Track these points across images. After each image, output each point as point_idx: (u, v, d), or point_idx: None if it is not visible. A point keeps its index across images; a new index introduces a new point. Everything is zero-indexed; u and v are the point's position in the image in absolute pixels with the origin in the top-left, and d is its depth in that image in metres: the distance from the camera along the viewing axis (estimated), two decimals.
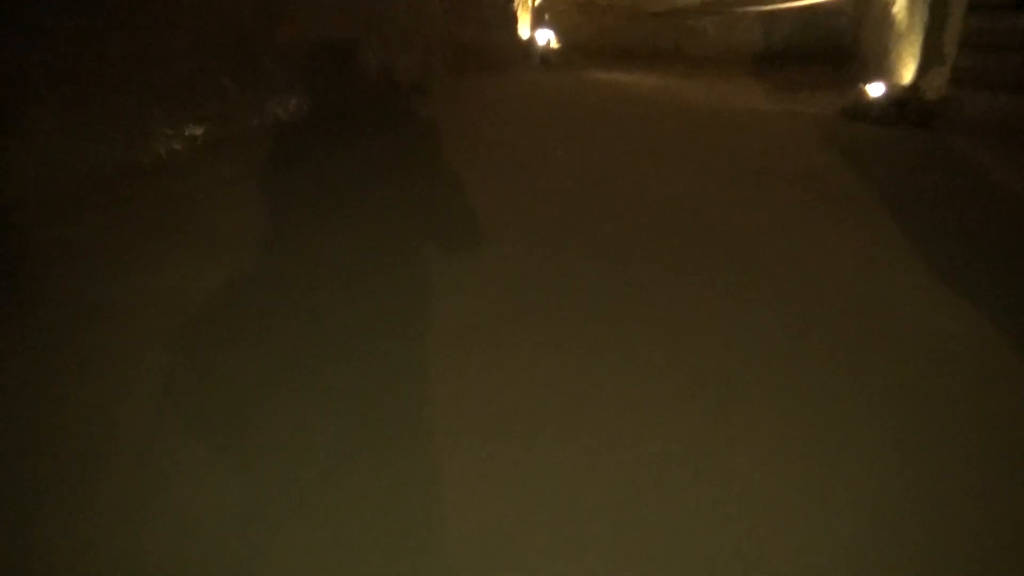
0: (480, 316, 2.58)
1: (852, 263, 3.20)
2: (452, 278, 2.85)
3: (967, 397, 2.23)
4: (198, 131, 4.32)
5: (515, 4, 7.02)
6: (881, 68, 5.89)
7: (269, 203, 3.74)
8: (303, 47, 4.80)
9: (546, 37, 7.21)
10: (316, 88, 4.88)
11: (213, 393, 2.09)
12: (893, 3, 5.82)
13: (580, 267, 3.04)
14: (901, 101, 5.22)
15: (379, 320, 2.52)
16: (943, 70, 5.20)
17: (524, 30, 7.22)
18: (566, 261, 3.10)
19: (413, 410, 2.00)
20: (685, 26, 7.16)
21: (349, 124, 4.85)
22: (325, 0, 4.65)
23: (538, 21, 7.47)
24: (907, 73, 5.37)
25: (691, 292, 2.86)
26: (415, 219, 3.53)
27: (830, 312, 2.77)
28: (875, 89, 5.39)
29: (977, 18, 5.45)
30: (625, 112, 5.59)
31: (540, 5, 7.50)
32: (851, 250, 3.34)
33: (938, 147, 4.86)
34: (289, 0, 4.52)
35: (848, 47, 6.89)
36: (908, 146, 4.89)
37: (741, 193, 3.99)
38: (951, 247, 3.40)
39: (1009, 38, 5.61)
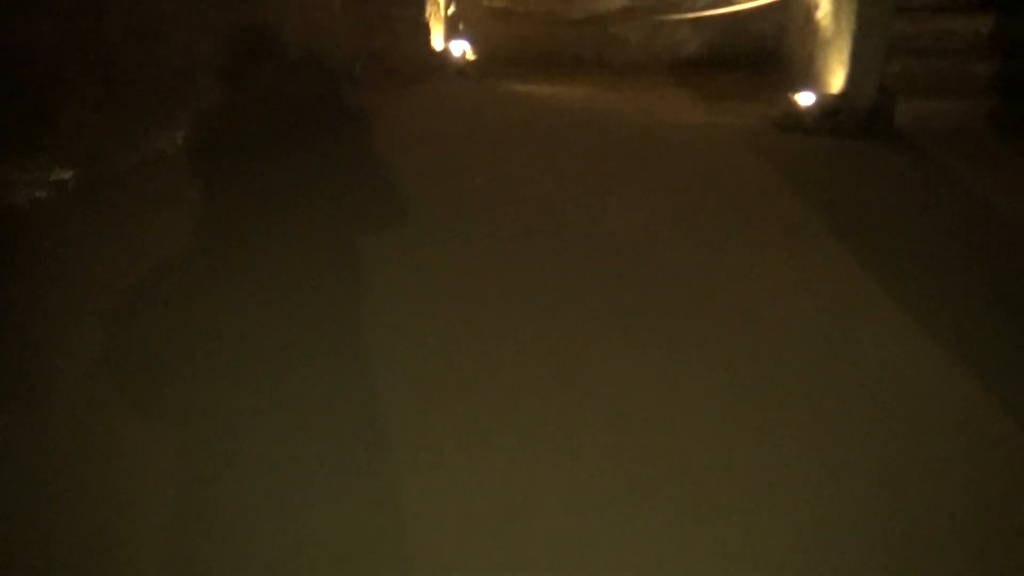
0: (398, 401, 2.18)
1: (810, 304, 2.92)
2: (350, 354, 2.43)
3: (957, 475, 1.95)
4: (65, 175, 3.77)
5: (427, 14, 6.60)
6: (808, 75, 5.70)
7: (148, 255, 3.26)
8: (186, 70, 4.28)
9: (461, 48, 6.81)
10: (204, 116, 4.37)
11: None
12: (817, 8, 5.64)
13: (498, 325, 2.68)
14: (832, 111, 5.03)
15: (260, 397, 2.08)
16: (872, 77, 5.02)
17: (438, 41, 6.80)
18: (483, 317, 2.73)
19: None
20: (607, 33, 6.87)
21: (242, 154, 4.36)
22: (204, 17, 4.13)
23: (453, 31, 7.06)
24: (836, 81, 5.17)
25: (627, 352, 2.53)
26: (320, 273, 3.10)
27: (791, 369, 2.47)
28: (805, 98, 5.18)
29: (903, 22, 5.30)
30: (547, 128, 5.24)
31: (454, 14, 7.09)
32: (807, 287, 3.06)
33: (875, 159, 4.67)
34: (163, 19, 4.00)
35: (773, 52, 6.71)
36: (845, 159, 4.69)
37: (677, 221, 3.70)
38: (911, 275, 3.17)
39: (936, 42, 5.49)
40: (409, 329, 2.66)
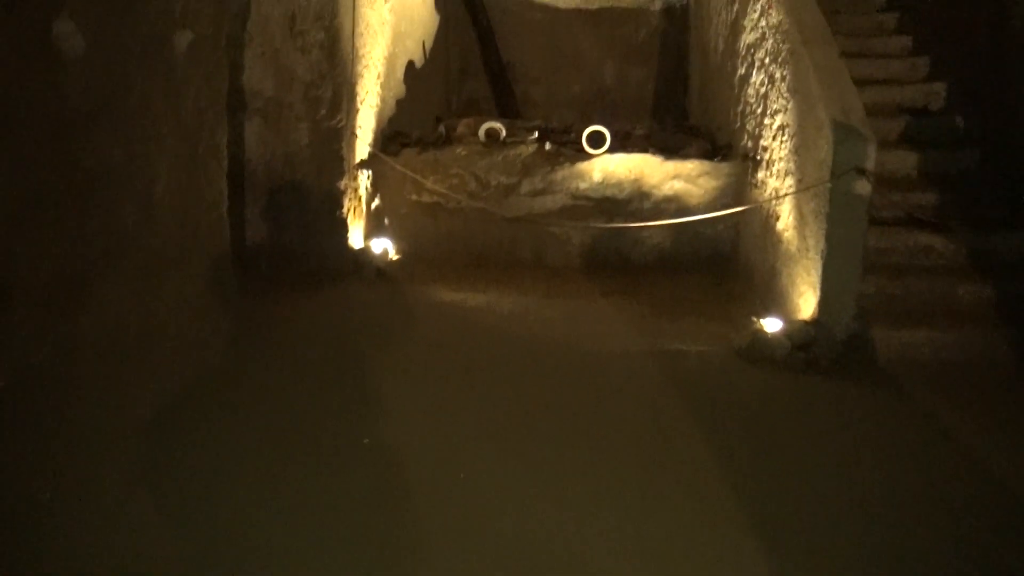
0: None
1: None
2: None
3: None
4: None
5: (345, 208, 5.88)
6: (771, 292, 5.00)
7: None
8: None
9: (383, 246, 6.06)
10: (15, 348, 3.38)
11: None
12: (776, 218, 5.03)
13: None
14: (804, 342, 4.25)
15: None
16: (848, 303, 4.31)
17: (357, 237, 6.06)
18: None
19: None
20: (547, 233, 6.21)
21: (49, 404, 3.35)
22: (17, 220, 3.24)
23: (376, 226, 6.35)
24: (805, 304, 4.44)
25: None
26: None
27: None
28: (771, 325, 4.42)
29: (875, 236, 4.68)
30: (467, 353, 4.37)
31: (378, 208, 6.41)
32: None
33: (853, 406, 3.85)
34: None
35: (728, 256, 6.09)
36: (819, 406, 3.85)
37: (615, 518, 2.76)
38: None
39: (912, 259, 4.86)
40: None
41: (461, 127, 7.21)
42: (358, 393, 3.78)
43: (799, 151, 4.71)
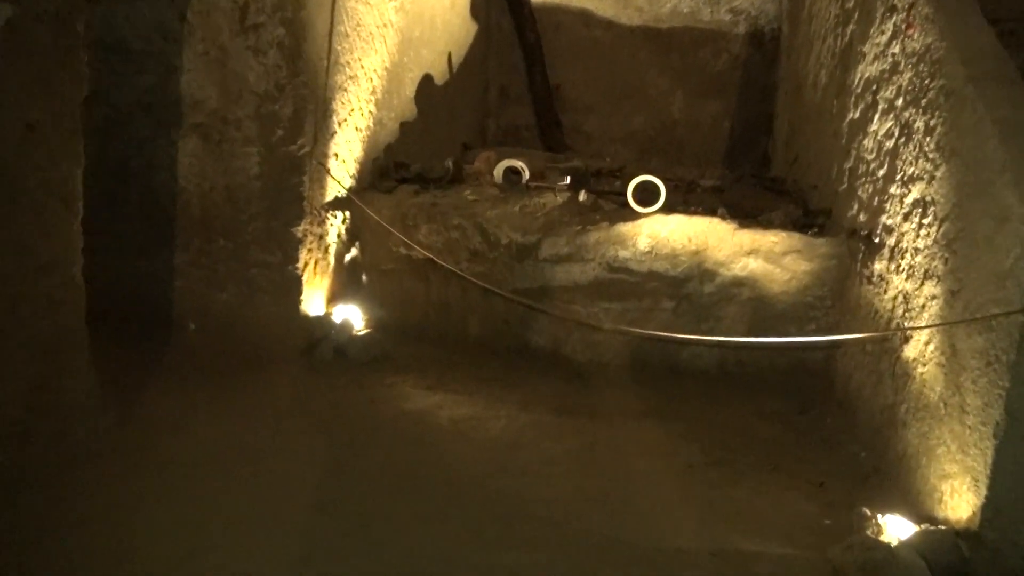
0: None
1: None
2: None
3: None
4: None
5: (301, 263, 4.40)
6: (887, 447, 3.29)
7: None
8: None
9: (347, 314, 4.56)
10: None
11: None
12: (906, 338, 3.34)
13: None
14: (954, 569, 2.55)
15: None
16: None
17: (316, 302, 4.56)
18: None
19: None
20: (569, 312, 4.60)
21: None
22: None
23: (348, 285, 4.86)
24: (953, 495, 2.74)
25: None
26: None
27: None
28: (896, 527, 2.73)
29: None
30: (409, 534, 2.78)
31: (355, 260, 4.91)
32: None
33: None
34: None
35: (818, 371, 4.38)
36: None
37: None
38: None
39: None
40: None
41: (479, 162, 5.68)
42: None
43: (954, 246, 3.02)
